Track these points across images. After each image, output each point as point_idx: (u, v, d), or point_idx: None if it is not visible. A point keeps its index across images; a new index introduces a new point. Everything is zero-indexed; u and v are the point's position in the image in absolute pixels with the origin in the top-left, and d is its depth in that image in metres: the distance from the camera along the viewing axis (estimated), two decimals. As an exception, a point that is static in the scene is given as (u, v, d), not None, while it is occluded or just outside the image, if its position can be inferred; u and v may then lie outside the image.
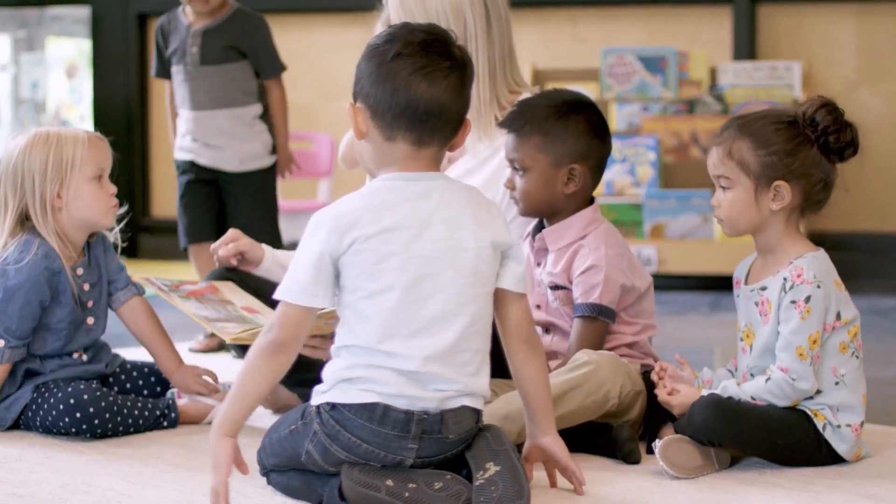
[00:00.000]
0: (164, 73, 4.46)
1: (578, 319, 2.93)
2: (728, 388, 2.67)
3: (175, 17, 4.41)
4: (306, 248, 2.36)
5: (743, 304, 2.77)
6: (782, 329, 2.64)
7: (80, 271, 3.05)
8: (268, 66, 4.39)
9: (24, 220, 3.02)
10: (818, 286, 2.64)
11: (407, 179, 2.39)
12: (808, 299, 2.63)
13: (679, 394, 2.71)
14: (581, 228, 2.96)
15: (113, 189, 3.06)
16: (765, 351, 2.71)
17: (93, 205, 3.02)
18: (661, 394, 2.73)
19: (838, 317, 2.68)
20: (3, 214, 3.03)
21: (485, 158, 3.15)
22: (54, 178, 2.99)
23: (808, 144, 2.67)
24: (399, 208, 2.36)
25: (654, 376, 2.80)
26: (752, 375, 2.73)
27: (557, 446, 2.51)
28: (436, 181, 2.41)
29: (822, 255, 2.71)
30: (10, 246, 2.99)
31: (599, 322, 2.92)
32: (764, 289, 2.71)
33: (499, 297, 2.46)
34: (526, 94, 3.15)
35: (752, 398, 2.64)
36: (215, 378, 3.17)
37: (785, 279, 2.65)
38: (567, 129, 2.93)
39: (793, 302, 2.63)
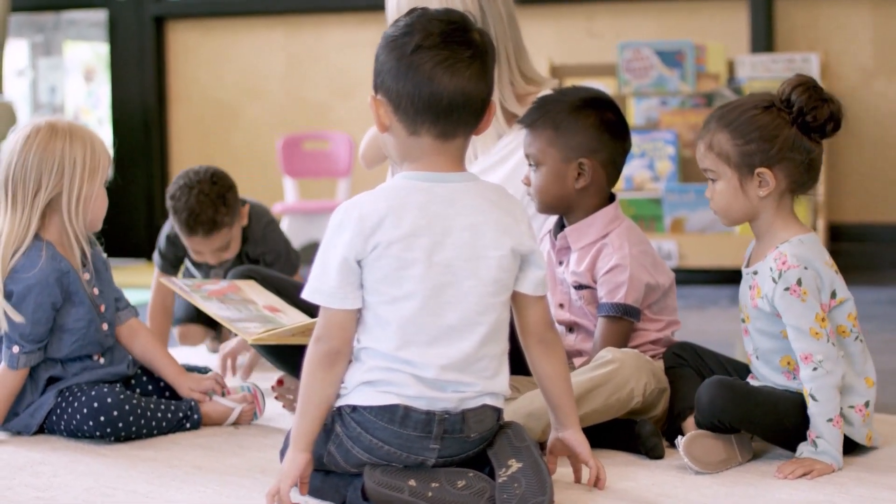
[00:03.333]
0: (169, 271, 4.00)
1: (603, 319, 2.92)
2: (826, 450, 2.59)
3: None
4: (330, 249, 2.35)
5: (742, 287, 2.77)
6: (788, 319, 2.63)
7: (87, 276, 3.05)
8: (287, 269, 3.99)
9: (44, 214, 3.00)
10: (805, 267, 2.62)
11: (433, 180, 2.37)
12: (799, 282, 2.61)
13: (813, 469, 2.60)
14: (603, 227, 2.95)
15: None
16: (762, 334, 2.70)
17: (100, 210, 3.03)
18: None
19: (833, 295, 2.66)
20: (29, 201, 2.97)
21: (482, 170, 3.13)
22: (93, 175, 2.98)
23: (786, 126, 2.65)
24: (423, 212, 2.34)
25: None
26: (757, 358, 2.73)
27: (577, 441, 2.51)
28: (461, 183, 2.39)
29: (809, 237, 2.69)
30: (18, 253, 2.97)
31: (624, 322, 2.92)
32: (756, 273, 2.70)
33: (517, 299, 2.45)
34: (545, 90, 3.15)
35: (829, 420, 2.59)
36: (222, 379, 3.16)
37: (771, 269, 2.64)
38: (577, 124, 2.92)
39: (786, 289, 2.62)
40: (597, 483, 2.50)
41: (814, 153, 2.67)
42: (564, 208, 2.98)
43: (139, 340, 3.15)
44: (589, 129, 2.92)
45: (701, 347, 2.94)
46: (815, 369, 2.60)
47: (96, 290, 3.06)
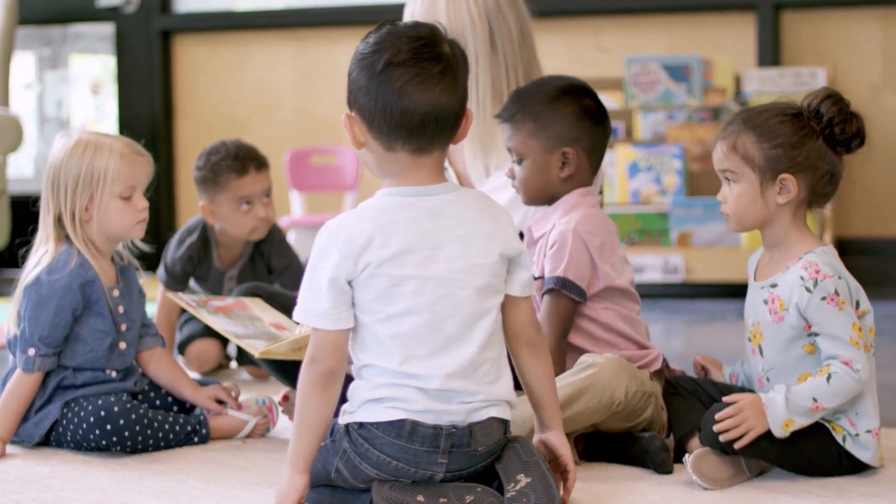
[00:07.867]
0: (177, 288, 3.99)
1: (546, 296, 2.86)
2: (776, 399, 2.57)
3: (206, 256, 4.04)
4: (318, 271, 2.35)
5: (751, 302, 2.73)
6: (826, 328, 2.59)
7: (115, 293, 3.06)
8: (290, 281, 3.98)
9: (60, 225, 3.04)
10: (839, 277, 2.61)
11: (416, 195, 2.37)
12: (836, 291, 2.59)
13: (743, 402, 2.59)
14: (564, 212, 2.91)
15: (144, 204, 3.06)
16: (781, 351, 2.67)
17: (118, 221, 3.03)
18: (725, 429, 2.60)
19: (857, 305, 2.65)
20: (47, 217, 3.05)
21: (493, 189, 3.13)
22: (84, 192, 3.00)
23: (814, 136, 2.63)
24: (411, 228, 2.35)
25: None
26: (768, 380, 2.70)
27: (560, 443, 2.50)
28: (445, 195, 2.39)
29: (829, 249, 2.68)
30: (48, 255, 3.01)
31: (563, 297, 2.84)
32: (774, 286, 2.68)
33: (505, 301, 2.45)
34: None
35: (815, 400, 2.57)
36: (237, 391, 3.16)
37: (803, 277, 2.62)
38: (556, 113, 2.90)
39: (823, 298, 2.59)
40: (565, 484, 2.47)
41: (837, 166, 2.66)
42: (549, 198, 2.95)
43: (163, 368, 3.16)
44: (569, 118, 2.91)
45: (694, 378, 2.92)
46: (856, 371, 2.56)
47: (121, 308, 3.07)
